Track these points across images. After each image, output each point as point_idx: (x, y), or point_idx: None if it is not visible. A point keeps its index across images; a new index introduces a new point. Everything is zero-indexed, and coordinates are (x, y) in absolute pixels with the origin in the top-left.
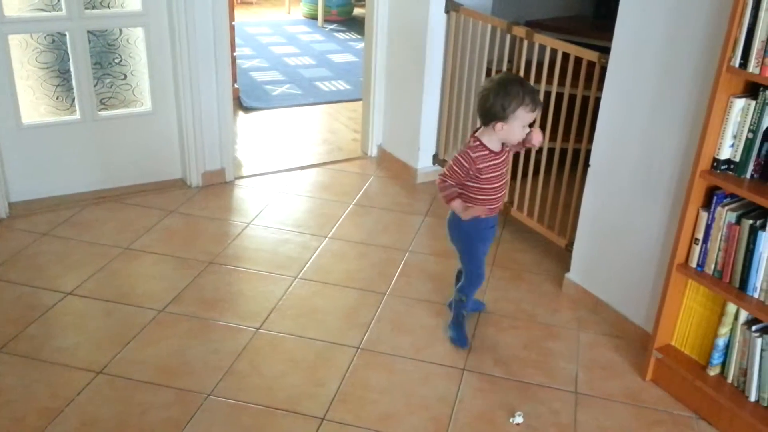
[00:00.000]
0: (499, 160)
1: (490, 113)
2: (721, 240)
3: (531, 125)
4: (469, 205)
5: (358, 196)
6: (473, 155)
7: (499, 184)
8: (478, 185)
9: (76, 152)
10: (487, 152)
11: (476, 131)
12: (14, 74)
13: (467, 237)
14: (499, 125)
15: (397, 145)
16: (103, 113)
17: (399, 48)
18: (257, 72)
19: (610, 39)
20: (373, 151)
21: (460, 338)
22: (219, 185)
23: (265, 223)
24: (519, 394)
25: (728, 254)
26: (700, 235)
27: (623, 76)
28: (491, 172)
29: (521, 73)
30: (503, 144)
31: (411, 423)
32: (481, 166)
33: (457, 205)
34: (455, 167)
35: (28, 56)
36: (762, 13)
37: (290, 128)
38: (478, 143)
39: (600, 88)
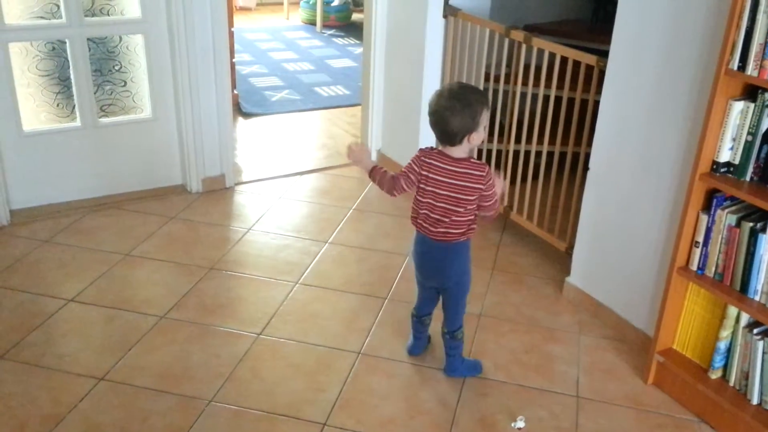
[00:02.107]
0: None
1: (464, 129)
2: (721, 243)
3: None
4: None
5: (357, 201)
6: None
7: None
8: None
9: (76, 159)
10: None
11: (442, 152)
12: (15, 82)
13: (468, 264)
14: (472, 136)
15: (396, 150)
16: (104, 120)
17: (397, 53)
18: (256, 78)
19: (608, 42)
20: (372, 156)
21: (474, 365)
22: (219, 191)
23: (265, 228)
24: (520, 398)
25: (729, 257)
26: (700, 238)
27: (622, 79)
28: None
29: (519, 77)
30: None
31: (412, 428)
32: None
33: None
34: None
35: (29, 64)
36: (760, 16)
37: (289, 134)
38: (473, 157)
39: (599, 91)
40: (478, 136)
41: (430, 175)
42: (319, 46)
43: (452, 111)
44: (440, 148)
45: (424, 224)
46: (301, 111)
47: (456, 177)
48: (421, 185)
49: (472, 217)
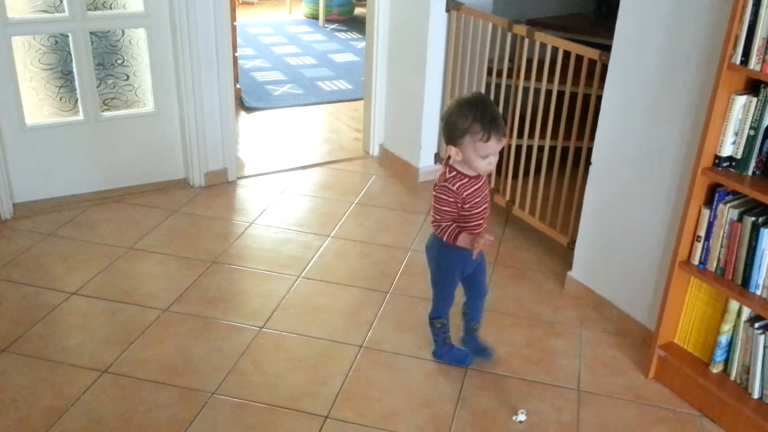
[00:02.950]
0: (480, 184)
1: (445, 135)
2: (723, 237)
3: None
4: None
5: (360, 196)
6: (453, 187)
7: (484, 207)
8: (465, 214)
9: (79, 153)
10: (466, 179)
11: (449, 158)
12: (18, 76)
13: (435, 259)
14: (453, 150)
15: (398, 144)
16: (106, 114)
17: (400, 47)
18: (259, 72)
19: (611, 37)
20: (374, 151)
21: (460, 357)
22: (221, 185)
23: (267, 222)
24: (521, 392)
25: (730, 251)
26: (702, 233)
27: (624, 74)
28: (475, 198)
29: (522, 72)
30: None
31: (414, 421)
32: (464, 194)
33: (465, 239)
34: (442, 207)
35: (31, 58)
36: (763, 10)
37: (292, 128)
38: (454, 172)
39: (601, 86)
40: (458, 157)
41: None
42: (321, 40)
43: (451, 109)
44: None
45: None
46: (303, 105)
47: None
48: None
49: (439, 218)
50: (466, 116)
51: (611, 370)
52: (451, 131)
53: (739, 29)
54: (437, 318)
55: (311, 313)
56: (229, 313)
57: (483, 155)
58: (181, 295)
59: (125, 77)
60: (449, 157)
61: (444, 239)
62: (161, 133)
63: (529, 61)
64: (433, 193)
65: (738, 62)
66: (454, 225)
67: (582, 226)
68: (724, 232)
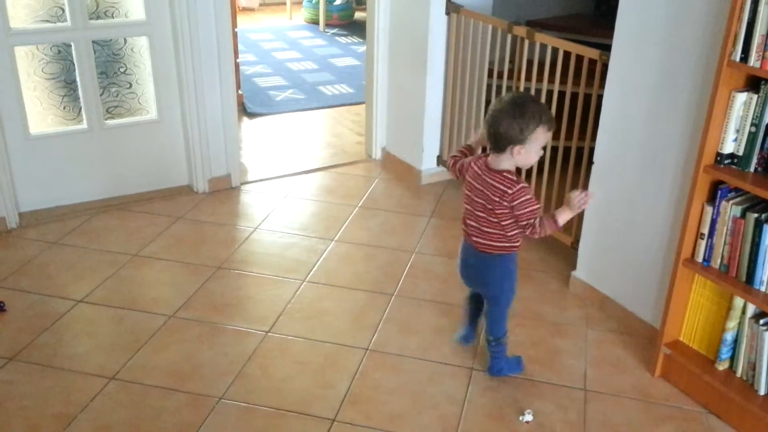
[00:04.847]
0: None
1: (506, 137)
2: (726, 234)
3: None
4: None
5: (363, 199)
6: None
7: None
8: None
9: (83, 161)
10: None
11: (486, 159)
12: (21, 85)
13: (506, 281)
14: (517, 149)
15: (401, 148)
16: (110, 122)
17: (400, 50)
18: (261, 78)
19: (610, 36)
20: (377, 154)
21: (516, 362)
22: (225, 191)
23: (271, 227)
24: (528, 392)
25: (734, 248)
26: (705, 230)
27: (624, 73)
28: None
29: (522, 73)
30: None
31: (421, 423)
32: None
33: (565, 211)
34: (534, 205)
35: (35, 67)
36: (761, 8)
37: (294, 133)
38: (513, 176)
39: (602, 85)
40: (526, 153)
41: (468, 179)
42: (322, 45)
43: (504, 114)
44: (489, 154)
45: (465, 229)
46: (305, 110)
47: (486, 186)
48: (466, 189)
49: (508, 232)
50: (533, 112)
51: (617, 368)
52: (521, 130)
53: (738, 26)
54: (501, 338)
55: (317, 316)
56: (235, 318)
57: (543, 145)
58: (187, 301)
59: (128, 85)
60: (486, 159)
61: (548, 233)
62: (164, 140)
63: (530, 62)
64: (516, 201)
65: (738, 59)
66: (542, 216)
67: (585, 225)
68: (727, 229)
